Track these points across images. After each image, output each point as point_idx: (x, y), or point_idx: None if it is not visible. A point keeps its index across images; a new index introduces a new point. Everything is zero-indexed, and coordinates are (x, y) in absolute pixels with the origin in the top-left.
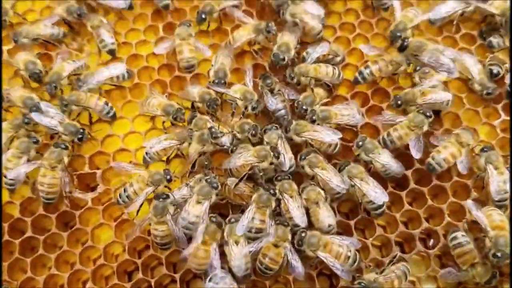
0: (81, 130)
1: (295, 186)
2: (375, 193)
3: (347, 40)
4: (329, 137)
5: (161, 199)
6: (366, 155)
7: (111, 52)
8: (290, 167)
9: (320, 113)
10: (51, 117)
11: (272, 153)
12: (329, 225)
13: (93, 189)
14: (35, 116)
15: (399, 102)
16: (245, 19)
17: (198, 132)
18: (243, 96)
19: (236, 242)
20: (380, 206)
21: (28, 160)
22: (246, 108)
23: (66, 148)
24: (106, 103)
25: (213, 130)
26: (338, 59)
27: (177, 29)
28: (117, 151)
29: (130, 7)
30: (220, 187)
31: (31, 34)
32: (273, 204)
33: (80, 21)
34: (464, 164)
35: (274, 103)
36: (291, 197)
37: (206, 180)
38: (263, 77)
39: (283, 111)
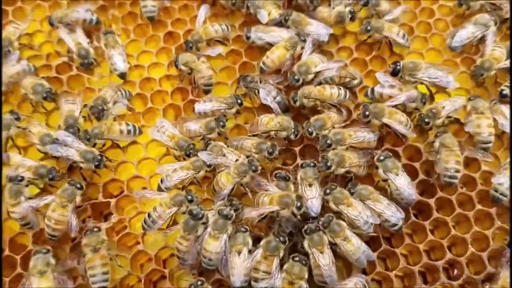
0: (99, 157)
1: (326, 239)
2: (391, 212)
3: (364, 62)
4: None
5: (194, 218)
6: (383, 172)
7: (122, 76)
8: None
9: (333, 136)
10: (68, 146)
11: (296, 202)
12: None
13: (106, 217)
14: (51, 149)
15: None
16: None
17: (237, 163)
18: (282, 126)
19: (238, 252)
20: (397, 223)
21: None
22: (287, 137)
23: (81, 188)
24: (127, 124)
25: (253, 162)
26: (356, 82)
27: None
28: (131, 178)
29: (97, 23)
30: (234, 217)
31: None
32: (281, 254)
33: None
34: None
35: (266, 93)
36: (322, 252)
37: (219, 212)
38: (242, 78)
39: (278, 98)
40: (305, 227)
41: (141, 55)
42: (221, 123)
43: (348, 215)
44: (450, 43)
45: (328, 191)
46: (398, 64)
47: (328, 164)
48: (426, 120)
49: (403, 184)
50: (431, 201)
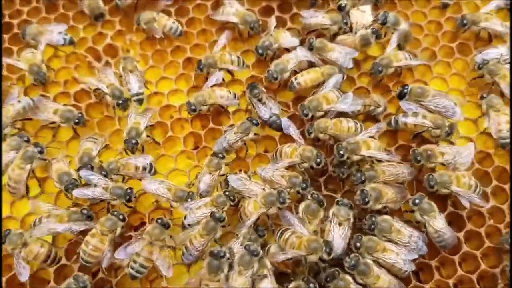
0: (129, 191)
1: (349, 279)
2: (403, 261)
3: (387, 87)
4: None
5: (216, 257)
6: (421, 215)
7: (139, 101)
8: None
9: (366, 172)
10: (94, 185)
11: (324, 248)
12: None
13: None
14: (77, 193)
15: None
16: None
17: (264, 192)
18: (305, 157)
19: (240, 274)
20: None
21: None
22: (312, 168)
23: (124, 220)
24: (145, 157)
25: (282, 194)
26: (380, 109)
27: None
28: (152, 210)
29: (71, 43)
30: (261, 253)
31: None
32: None
33: None
34: None
35: (267, 111)
36: None
37: (246, 248)
38: (250, 88)
39: (274, 117)
40: (325, 274)
41: (160, 82)
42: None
43: (386, 261)
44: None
45: (357, 244)
46: (406, 87)
47: (367, 199)
48: (418, 158)
49: (442, 227)
50: (460, 235)
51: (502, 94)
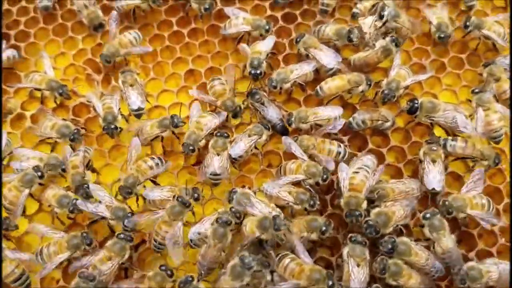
0: (129, 215)
1: None
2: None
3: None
4: None
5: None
6: (430, 232)
7: (138, 116)
8: None
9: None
10: (99, 201)
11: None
12: None
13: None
14: (79, 203)
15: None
16: None
17: (259, 216)
18: (310, 173)
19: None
20: None
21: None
22: (317, 184)
23: (131, 240)
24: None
25: (277, 221)
26: (388, 124)
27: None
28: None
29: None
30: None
31: None
32: None
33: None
34: None
35: (274, 112)
36: None
37: (240, 258)
38: (250, 94)
39: (278, 120)
40: None
41: (161, 95)
42: None
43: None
44: None
45: (383, 271)
46: (416, 102)
47: (377, 229)
48: (450, 210)
49: (450, 247)
50: (472, 254)
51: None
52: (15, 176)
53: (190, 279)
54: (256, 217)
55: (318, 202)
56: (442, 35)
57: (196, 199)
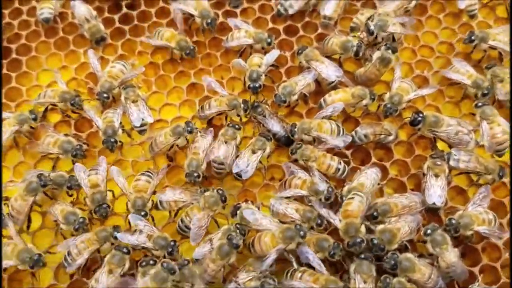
0: (172, 243)
1: None
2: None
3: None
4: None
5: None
6: (432, 247)
7: (140, 133)
8: None
9: (379, 208)
10: (139, 231)
11: None
12: None
13: None
14: (120, 237)
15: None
16: None
17: (283, 226)
18: (313, 191)
19: None
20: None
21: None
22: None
23: (128, 253)
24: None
25: (302, 228)
26: (391, 138)
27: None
28: None
29: None
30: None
31: None
32: None
33: None
34: None
35: (276, 125)
36: None
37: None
38: (253, 107)
39: (282, 131)
40: None
41: (164, 108)
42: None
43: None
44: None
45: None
46: (420, 115)
47: (381, 246)
48: (457, 228)
49: (454, 261)
50: (476, 269)
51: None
52: (20, 184)
53: (186, 262)
54: (275, 230)
55: (325, 222)
56: (486, 92)
57: (224, 201)
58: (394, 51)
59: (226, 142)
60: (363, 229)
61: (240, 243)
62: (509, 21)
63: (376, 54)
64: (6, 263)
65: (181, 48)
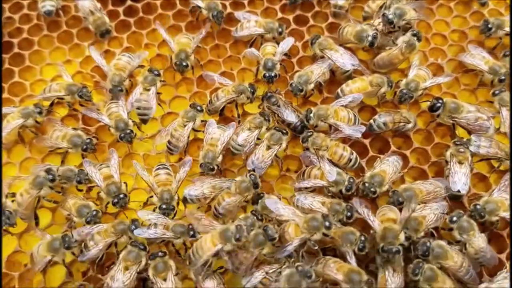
0: (190, 226)
1: None
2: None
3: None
4: None
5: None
6: (459, 234)
7: (144, 122)
8: None
9: (403, 192)
10: (154, 224)
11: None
12: None
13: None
14: (137, 232)
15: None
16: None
17: (307, 216)
18: (334, 181)
19: None
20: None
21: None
22: (340, 192)
23: (145, 249)
24: None
25: (328, 218)
26: (410, 126)
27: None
28: None
29: None
30: None
31: None
32: None
33: None
34: None
35: (292, 114)
36: None
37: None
38: (266, 98)
39: (297, 122)
40: None
41: (174, 101)
42: None
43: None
44: None
45: (416, 271)
46: (440, 101)
47: (407, 235)
48: (482, 213)
49: (483, 247)
50: (502, 256)
51: None
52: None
53: (162, 254)
54: (300, 220)
55: (355, 214)
56: (503, 77)
57: (256, 187)
58: (420, 39)
59: (249, 129)
60: (401, 236)
61: (276, 236)
62: None
63: (403, 39)
64: None
65: (210, 9)
